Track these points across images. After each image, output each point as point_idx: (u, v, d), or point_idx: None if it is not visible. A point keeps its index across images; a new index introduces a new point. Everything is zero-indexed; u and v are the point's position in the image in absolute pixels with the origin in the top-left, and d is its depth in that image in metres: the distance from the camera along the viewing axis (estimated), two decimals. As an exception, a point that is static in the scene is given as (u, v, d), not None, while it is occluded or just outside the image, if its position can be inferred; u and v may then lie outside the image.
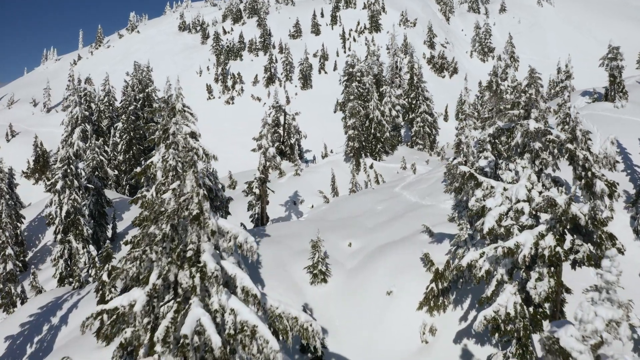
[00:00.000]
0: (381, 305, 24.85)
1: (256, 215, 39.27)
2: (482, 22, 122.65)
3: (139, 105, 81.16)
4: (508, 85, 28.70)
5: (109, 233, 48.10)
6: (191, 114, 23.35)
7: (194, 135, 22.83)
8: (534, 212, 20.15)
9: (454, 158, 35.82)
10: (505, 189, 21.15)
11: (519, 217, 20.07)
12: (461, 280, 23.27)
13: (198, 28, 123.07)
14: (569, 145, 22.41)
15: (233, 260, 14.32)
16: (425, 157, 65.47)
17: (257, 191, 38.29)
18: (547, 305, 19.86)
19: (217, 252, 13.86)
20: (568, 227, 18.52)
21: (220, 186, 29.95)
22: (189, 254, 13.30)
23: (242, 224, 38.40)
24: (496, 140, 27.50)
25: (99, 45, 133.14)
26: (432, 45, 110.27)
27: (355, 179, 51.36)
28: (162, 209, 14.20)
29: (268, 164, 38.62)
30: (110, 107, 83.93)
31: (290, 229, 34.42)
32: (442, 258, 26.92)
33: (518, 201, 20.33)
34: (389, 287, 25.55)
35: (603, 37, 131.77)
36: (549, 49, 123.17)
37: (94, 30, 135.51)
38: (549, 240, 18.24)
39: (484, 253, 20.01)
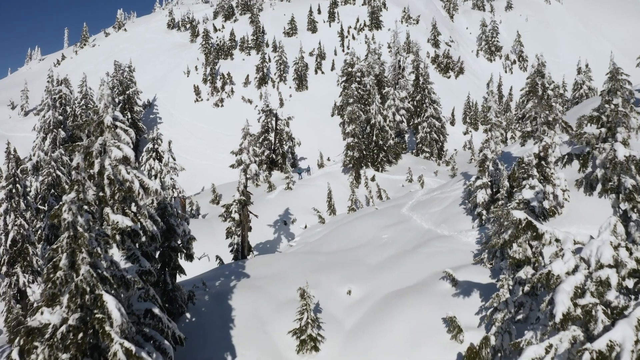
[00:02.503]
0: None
1: (235, 246, 32.51)
2: (488, 20, 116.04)
3: (117, 109, 74.34)
4: (554, 89, 22.14)
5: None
6: (126, 130, 16.57)
7: (126, 161, 16.04)
8: (625, 285, 13.55)
9: (477, 177, 29.10)
10: (575, 243, 14.56)
11: (604, 293, 13.41)
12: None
13: (188, 26, 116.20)
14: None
15: None
16: (432, 167, 58.73)
17: (236, 216, 31.53)
18: None
19: None
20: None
21: (182, 219, 23.19)
22: None
23: (218, 258, 31.65)
24: (542, 162, 20.78)
25: (84, 44, 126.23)
26: (436, 44, 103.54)
27: (354, 195, 44.61)
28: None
29: (250, 183, 31.86)
30: (88, 111, 77.09)
31: (274, 267, 27.66)
32: (471, 320, 20.25)
33: (601, 266, 13.65)
34: (402, 364, 18.88)
35: (614, 35, 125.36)
36: (559, 48, 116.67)
37: (81, 28, 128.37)
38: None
39: (551, 346, 13.35)
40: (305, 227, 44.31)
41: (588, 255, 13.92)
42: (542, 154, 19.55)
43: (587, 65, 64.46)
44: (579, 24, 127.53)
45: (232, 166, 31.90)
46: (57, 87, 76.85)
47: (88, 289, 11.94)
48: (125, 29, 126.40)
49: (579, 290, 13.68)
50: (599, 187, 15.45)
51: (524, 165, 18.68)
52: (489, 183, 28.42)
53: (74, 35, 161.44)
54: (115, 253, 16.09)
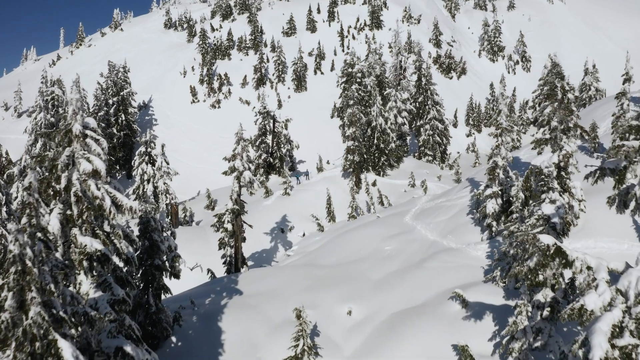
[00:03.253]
0: None
1: (228, 258, 30.58)
2: (490, 20, 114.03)
3: (111, 111, 72.44)
4: (572, 92, 20.24)
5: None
6: (97, 139, 14.64)
7: (97, 175, 14.11)
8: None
9: (487, 186, 27.17)
10: (611, 271, 12.71)
11: (648, 332, 11.53)
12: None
13: (185, 25, 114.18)
14: None
15: None
16: (435, 171, 56.78)
17: (229, 226, 29.60)
18: None
19: None
20: None
21: (166, 234, 21.28)
22: None
23: (209, 272, 29.74)
24: (562, 172, 18.84)
25: (80, 45, 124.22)
26: (438, 44, 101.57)
27: (355, 201, 42.65)
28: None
29: (244, 190, 30.03)
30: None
31: (269, 283, 25.73)
32: (483, 347, 18.37)
33: (641, 300, 11.80)
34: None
35: (617, 35, 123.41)
36: (563, 49, 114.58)
37: (77, 28, 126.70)
38: None
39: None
40: (304, 234, 42.40)
41: (626, 287, 12.07)
42: (562, 163, 17.65)
43: (594, 66, 62.51)
44: (581, 24, 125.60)
45: (225, 173, 29.95)
46: (49, 89, 74.83)
47: (39, 333, 10.00)
48: (121, 29, 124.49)
49: (617, 329, 11.82)
50: (633, 204, 13.49)
51: (543, 177, 16.74)
52: (500, 192, 26.50)
53: (70, 35, 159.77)
54: (85, 280, 14.18)
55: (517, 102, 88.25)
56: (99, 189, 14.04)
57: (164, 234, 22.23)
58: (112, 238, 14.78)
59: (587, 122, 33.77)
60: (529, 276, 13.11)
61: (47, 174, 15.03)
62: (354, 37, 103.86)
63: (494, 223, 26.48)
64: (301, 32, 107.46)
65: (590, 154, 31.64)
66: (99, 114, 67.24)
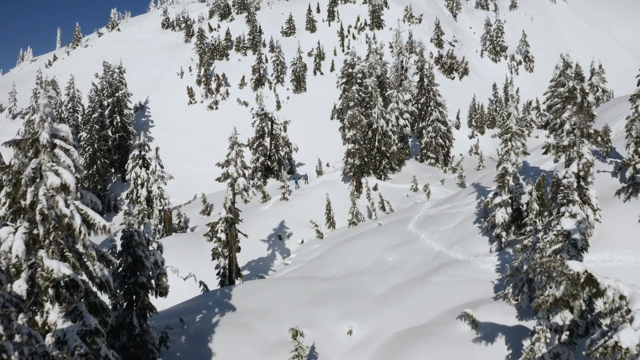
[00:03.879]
0: None
1: (222, 270, 29.03)
2: (492, 19, 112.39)
3: (106, 112, 70.87)
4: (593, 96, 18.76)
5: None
6: (67, 149, 13.08)
7: (65, 189, 12.56)
8: None
9: (495, 194, 25.59)
10: (648, 300, 11.13)
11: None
12: None
13: (182, 25, 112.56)
14: None
15: None
16: (438, 174, 55.23)
17: (223, 236, 28.04)
18: None
19: None
20: None
21: (153, 248, 19.74)
22: None
23: (202, 284, 28.21)
24: (582, 183, 17.28)
25: (77, 45, 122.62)
26: (439, 44, 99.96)
27: (355, 207, 41.08)
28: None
29: (239, 198, 28.50)
30: (75, 114, 73.58)
31: (264, 298, 24.17)
32: (497, 374, 16.81)
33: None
34: None
35: (620, 34, 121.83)
36: (566, 48, 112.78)
37: (74, 28, 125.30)
38: None
39: None
40: (302, 242, 40.88)
41: (667, 321, 10.54)
42: (582, 173, 16.13)
43: (600, 66, 60.96)
44: (584, 23, 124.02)
45: (219, 180, 28.40)
46: (43, 90, 73.30)
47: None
48: (118, 29, 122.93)
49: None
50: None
51: (563, 188, 15.17)
52: (509, 201, 24.92)
53: (67, 35, 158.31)
54: (52, 309, 12.62)
55: (520, 102, 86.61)
56: (68, 205, 12.48)
57: (151, 247, 20.71)
58: (85, 260, 13.22)
59: (597, 124, 32.20)
60: (556, 306, 11.53)
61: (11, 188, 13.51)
62: (354, 37, 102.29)
63: (504, 233, 24.92)
64: (300, 32, 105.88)
65: (603, 158, 30.06)
66: (93, 115, 65.68)
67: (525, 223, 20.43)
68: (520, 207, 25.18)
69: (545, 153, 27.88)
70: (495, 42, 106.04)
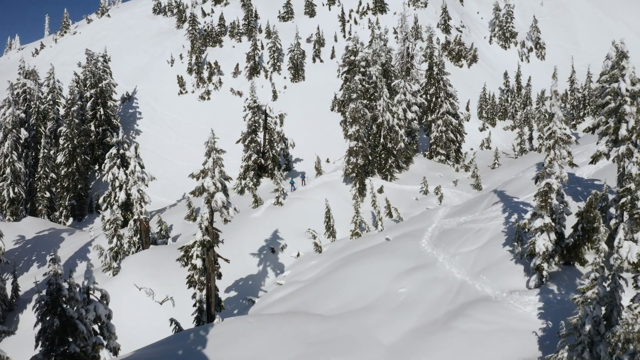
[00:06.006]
0: None
1: (198, 304, 24.07)
2: (502, 4, 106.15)
3: (88, 104, 65.54)
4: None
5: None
6: None
7: None
8: None
9: (534, 214, 20.42)
10: None
11: None
12: None
13: (175, 10, 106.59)
14: None
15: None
16: (449, 173, 50.05)
17: (199, 262, 23.04)
18: None
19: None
20: None
21: (95, 298, 14.74)
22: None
23: (172, 322, 23.28)
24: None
25: (65, 32, 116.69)
26: (447, 29, 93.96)
27: (358, 216, 35.96)
28: None
29: (217, 216, 23.48)
30: (56, 107, 68.18)
31: (247, 348, 19.19)
32: None
33: None
34: None
35: (634, 22, 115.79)
36: (578, 35, 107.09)
37: (62, 14, 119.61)
38: None
39: None
40: (298, 255, 35.96)
41: None
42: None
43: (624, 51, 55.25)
44: (597, 9, 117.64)
45: (193, 193, 23.30)
46: (21, 81, 67.97)
47: None
48: (108, 15, 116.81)
49: None
50: None
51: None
52: (552, 224, 19.81)
53: (55, 23, 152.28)
54: None
55: (533, 92, 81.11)
56: None
57: (92, 296, 15.74)
58: None
59: None
60: None
61: None
62: (356, 22, 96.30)
63: (545, 265, 19.86)
64: (299, 17, 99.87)
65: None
66: (72, 108, 60.29)
67: (577, 255, 15.40)
68: (589, 243, 19.98)
69: (592, 162, 22.74)
70: (505, 27, 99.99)
